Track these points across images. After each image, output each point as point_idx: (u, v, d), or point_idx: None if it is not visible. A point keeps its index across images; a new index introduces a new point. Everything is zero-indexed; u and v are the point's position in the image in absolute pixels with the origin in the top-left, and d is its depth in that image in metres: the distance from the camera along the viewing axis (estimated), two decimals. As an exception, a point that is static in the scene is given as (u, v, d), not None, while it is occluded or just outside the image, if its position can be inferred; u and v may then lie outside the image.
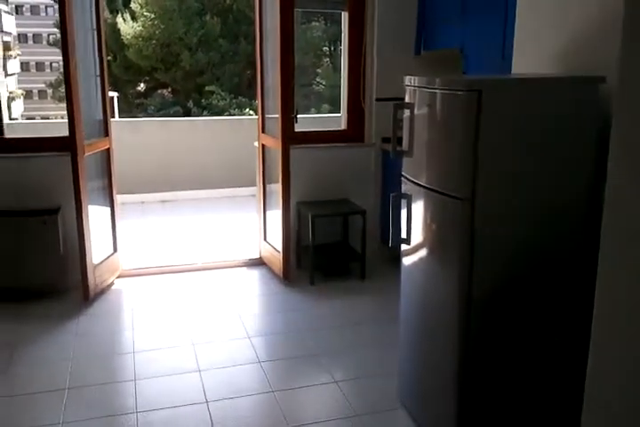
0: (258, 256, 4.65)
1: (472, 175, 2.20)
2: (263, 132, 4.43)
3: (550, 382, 2.44)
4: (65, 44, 3.50)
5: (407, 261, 2.71)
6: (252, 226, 5.12)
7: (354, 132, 4.58)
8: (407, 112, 2.61)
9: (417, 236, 2.58)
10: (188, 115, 16.02)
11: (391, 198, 2.70)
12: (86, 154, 3.76)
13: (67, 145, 3.83)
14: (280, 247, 4.19)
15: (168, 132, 7.37)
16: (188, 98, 16.93)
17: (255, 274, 4.49)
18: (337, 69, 15.15)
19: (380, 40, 4.38)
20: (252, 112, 14.46)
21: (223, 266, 4.57)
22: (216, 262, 4.60)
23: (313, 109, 16.07)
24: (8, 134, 4.15)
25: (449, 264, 2.33)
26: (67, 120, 3.68)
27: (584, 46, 2.49)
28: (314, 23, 16.08)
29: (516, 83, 2.26)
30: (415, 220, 2.59)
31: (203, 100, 16.69)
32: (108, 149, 4.14)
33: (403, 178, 2.69)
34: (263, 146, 4.46)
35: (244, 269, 4.58)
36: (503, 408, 2.42)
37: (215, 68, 16.55)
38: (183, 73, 16.60)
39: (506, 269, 2.30)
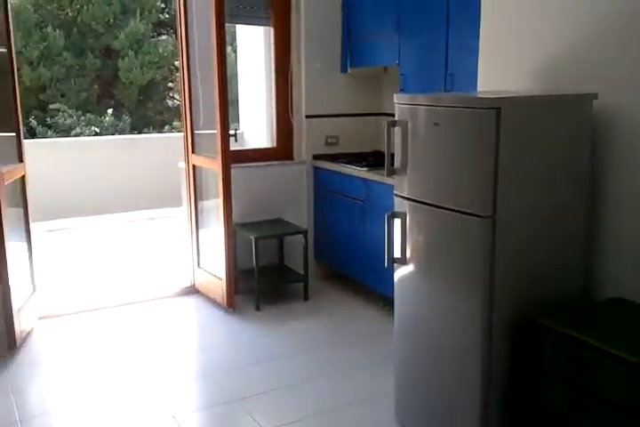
0: (190, 284, 4.36)
1: (493, 192, 2.22)
2: (193, 152, 4.17)
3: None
4: None
5: (404, 281, 2.67)
6: (177, 250, 4.82)
7: (283, 150, 4.48)
8: (399, 130, 2.59)
9: (419, 255, 2.56)
10: (33, 134, 14.91)
11: (386, 218, 2.66)
12: (5, 183, 3.29)
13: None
14: (221, 273, 3.95)
15: (68, 153, 6.73)
16: (29, 116, 15.72)
17: (191, 304, 4.19)
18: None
19: (307, 56, 4.33)
20: (97, 130, 13.77)
21: (152, 298, 4.22)
22: (145, 295, 4.24)
23: (167, 127, 15.64)
24: None
25: (467, 283, 2.34)
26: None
27: (560, 63, 2.64)
28: (164, 37, 15.69)
29: (532, 100, 2.34)
30: (415, 239, 2.57)
31: (48, 119, 15.63)
32: (24, 177, 3.65)
33: (396, 197, 2.66)
34: (193, 166, 4.20)
35: (178, 299, 4.26)
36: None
37: (60, 84, 15.58)
38: (23, 89, 15.38)
39: (528, 286, 2.36)
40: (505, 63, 2.92)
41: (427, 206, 2.46)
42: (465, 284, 2.35)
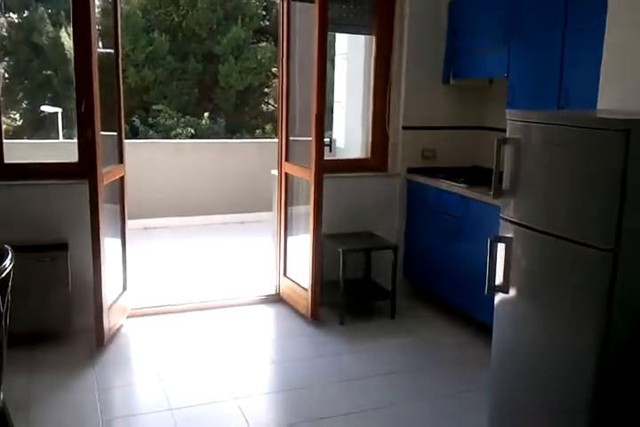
0: (275, 292, 4.32)
1: (617, 222, 2.01)
2: (287, 160, 4.13)
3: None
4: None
5: (505, 309, 2.49)
6: (264, 255, 4.81)
7: (377, 161, 4.36)
8: (510, 148, 2.41)
9: (524, 284, 2.37)
10: (135, 133, 15.52)
11: (489, 242, 2.48)
12: (104, 183, 3.35)
13: (76, 172, 3.46)
14: (306, 284, 3.88)
15: (167, 154, 6.95)
16: (132, 115, 16.42)
17: (275, 312, 4.15)
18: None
19: (408, 66, 4.20)
20: (193, 131, 14.10)
21: (237, 304, 4.21)
22: (230, 300, 4.23)
23: (259, 131, 15.87)
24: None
25: (579, 319, 2.14)
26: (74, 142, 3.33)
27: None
28: (263, 43, 15.95)
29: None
30: (520, 266, 2.38)
31: (150, 119, 16.22)
32: (122, 178, 3.73)
33: (503, 220, 2.48)
34: (286, 174, 4.16)
35: (261, 306, 4.22)
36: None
37: (163, 86, 16.14)
38: (128, 90, 16.02)
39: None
40: (630, 81, 2.68)
41: (537, 233, 2.28)
42: (576, 319, 2.15)
